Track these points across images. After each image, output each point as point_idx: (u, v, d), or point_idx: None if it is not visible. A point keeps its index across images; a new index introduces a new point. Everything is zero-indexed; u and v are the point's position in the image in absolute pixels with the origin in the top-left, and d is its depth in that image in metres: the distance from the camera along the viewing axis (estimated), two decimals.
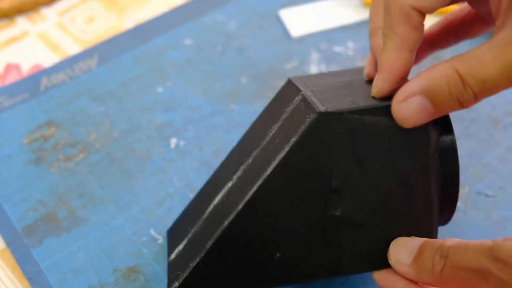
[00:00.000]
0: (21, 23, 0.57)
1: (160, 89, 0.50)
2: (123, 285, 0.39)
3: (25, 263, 0.40)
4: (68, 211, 0.43)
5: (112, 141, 0.47)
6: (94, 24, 0.57)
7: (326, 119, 0.30)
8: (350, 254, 0.33)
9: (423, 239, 0.31)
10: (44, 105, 0.50)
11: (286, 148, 0.31)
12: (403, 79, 0.31)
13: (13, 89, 0.51)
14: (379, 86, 0.31)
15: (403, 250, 0.31)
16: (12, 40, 0.56)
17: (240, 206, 0.32)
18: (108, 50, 0.54)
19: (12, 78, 0.53)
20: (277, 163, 0.31)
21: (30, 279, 0.39)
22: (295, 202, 0.32)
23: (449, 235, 0.40)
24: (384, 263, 0.33)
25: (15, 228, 0.42)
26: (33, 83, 0.51)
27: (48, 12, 0.58)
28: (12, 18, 0.58)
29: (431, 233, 0.33)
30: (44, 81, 0.51)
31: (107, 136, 0.47)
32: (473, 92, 0.27)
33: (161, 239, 0.41)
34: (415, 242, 0.31)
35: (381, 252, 0.33)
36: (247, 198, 0.32)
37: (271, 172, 0.31)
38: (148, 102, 0.49)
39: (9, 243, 0.41)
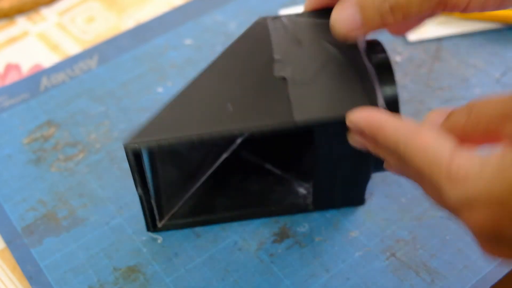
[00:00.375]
0: (21, 23, 0.57)
1: (160, 89, 0.50)
2: (123, 285, 0.39)
3: (25, 262, 0.40)
4: (68, 211, 0.43)
5: (112, 141, 0.47)
6: (94, 24, 0.57)
7: (265, 20, 0.40)
8: (300, 108, 0.36)
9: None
10: (44, 105, 0.50)
11: (234, 41, 0.39)
12: None
13: (13, 89, 0.51)
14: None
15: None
16: (12, 40, 0.56)
17: (197, 75, 0.38)
18: (108, 50, 0.54)
19: (12, 78, 0.53)
20: (226, 48, 0.39)
21: (30, 278, 0.39)
22: (244, 70, 0.38)
23: (449, 234, 0.40)
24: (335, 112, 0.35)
25: (15, 227, 0.42)
26: (33, 83, 0.51)
27: (48, 12, 0.58)
28: (12, 18, 0.58)
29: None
30: (44, 81, 0.51)
31: (107, 136, 0.47)
32: (389, 5, 0.33)
33: (161, 239, 0.41)
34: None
35: (329, 104, 0.36)
36: (202, 71, 0.38)
37: (222, 53, 0.39)
38: (148, 102, 0.49)
39: (9, 243, 0.41)
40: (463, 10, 0.33)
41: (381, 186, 0.43)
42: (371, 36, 0.38)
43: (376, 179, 0.43)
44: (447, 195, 0.27)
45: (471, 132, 0.29)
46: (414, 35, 0.53)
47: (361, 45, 0.38)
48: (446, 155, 0.27)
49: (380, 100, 0.35)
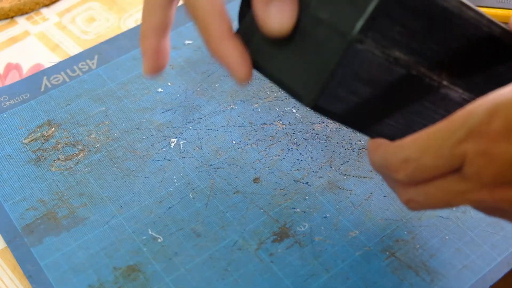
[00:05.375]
0: (22, 23, 0.57)
1: (160, 89, 0.51)
2: (123, 284, 0.39)
3: (25, 261, 0.40)
4: (68, 210, 0.43)
5: (112, 141, 0.47)
6: (94, 24, 0.57)
7: None
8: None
9: None
10: (44, 105, 0.50)
11: None
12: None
13: (13, 89, 0.51)
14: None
15: None
16: (13, 40, 0.56)
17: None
18: (108, 50, 0.54)
19: (12, 78, 0.53)
20: None
21: (30, 277, 0.39)
22: None
23: (449, 233, 0.40)
24: None
25: (15, 227, 0.42)
26: (33, 83, 0.51)
27: (48, 12, 0.58)
28: (13, 18, 0.58)
29: None
30: (44, 81, 0.52)
31: (107, 136, 0.47)
32: None
33: (161, 238, 0.41)
34: None
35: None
36: None
37: None
38: (148, 102, 0.50)
39: (9, 242, 0.41)
40: None
41: (381, 186, 0.43)
42: None
43: (376, 179, 0.44)
44: None
45: None
46: None
47: None
48: None
49: None
